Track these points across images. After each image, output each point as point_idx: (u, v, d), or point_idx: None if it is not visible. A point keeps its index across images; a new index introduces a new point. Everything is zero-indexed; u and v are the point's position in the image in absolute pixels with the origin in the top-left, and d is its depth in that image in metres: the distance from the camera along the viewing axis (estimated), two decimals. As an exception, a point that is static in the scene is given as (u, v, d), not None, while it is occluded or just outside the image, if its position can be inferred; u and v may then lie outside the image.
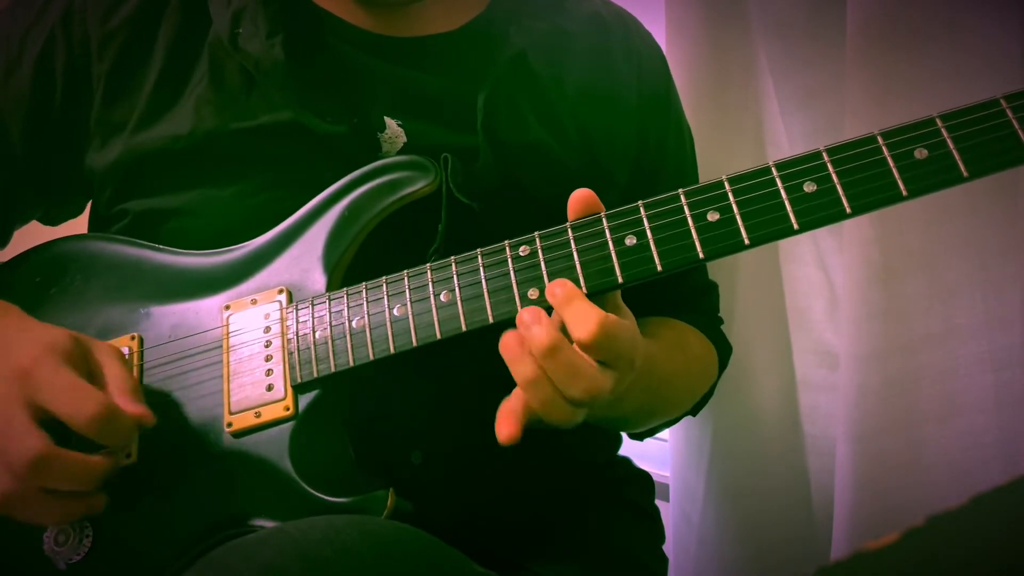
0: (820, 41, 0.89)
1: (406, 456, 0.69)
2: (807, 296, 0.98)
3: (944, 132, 0.55)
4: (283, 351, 0.64)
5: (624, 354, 0.56)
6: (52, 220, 0.84)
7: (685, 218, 0.58)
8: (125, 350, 0.66)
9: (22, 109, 0.75)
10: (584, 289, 0.58)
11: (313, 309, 0.64)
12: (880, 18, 0.79)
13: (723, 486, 1.05)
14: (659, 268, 0.58)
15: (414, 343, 0.61)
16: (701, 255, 0.57)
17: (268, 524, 0.59)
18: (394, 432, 0.69)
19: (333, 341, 0.63)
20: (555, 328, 0.55)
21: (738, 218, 0.57)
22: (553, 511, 0.76)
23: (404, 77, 0.75)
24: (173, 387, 0.65)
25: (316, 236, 0.67)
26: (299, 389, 0.63)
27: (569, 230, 0.60)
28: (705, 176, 0.60)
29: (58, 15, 0.75)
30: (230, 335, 0.66)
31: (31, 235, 0.81)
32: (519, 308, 0.59)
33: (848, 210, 0.55)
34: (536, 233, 0.61)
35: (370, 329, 0.62)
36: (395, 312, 0.62)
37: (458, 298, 0.61)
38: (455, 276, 0.61)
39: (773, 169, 0.57)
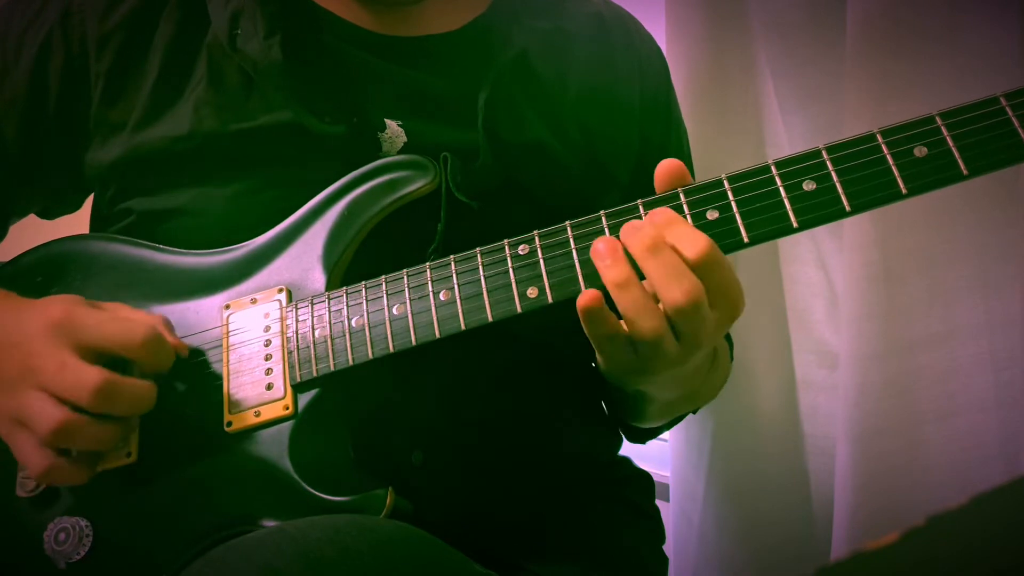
0: (820, 41, 0.89)
1: (407, 456, 0.68)
2: (807, 296, 0.98)
3: (944, 130, 0.55)
4: (283, 350, 0.64)
5: (728, 287, 0.56)
6: (49, 215, 0.84)
7: (685, 216, 0.58)
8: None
9: (18, 107, 0.75)
10: (584, 288, 0.58)
11: (313, 308, 0.64)
12: (880, 18, 0.79)
13: (723, 486, 1.05)
14: None
15: (413, 342, 0.61)
16: None
17: (267, 523, 0.59)
18: (395, 432, 0.69)
19: (332, 340, 0.63)
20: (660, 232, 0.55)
21: (737, 216, 0.57)
22: (553, 511, 0.76)
23: (405, 77, 0.75)
24: (174, 386, 0.65)
25: (316, 235, 0.67)
26: (298, 388, 0.63)
27: (568, 228, 0.60)
28: (705, 176, 0.60)
29: (57, 14, 0.75)
30: (230, 334, 0.66)
31: (32, 235, 0.81)
32: (518, 308, 0.59)
33: (848, 208, 0.55)
34: (535, 232, 0.61)
35: (369, 328, 0.62)
36: (394, 311, 0.62)
37: (457, 297, 0.61)
38: (454, 275, 0.61)
39: (772, 167, 0.57)
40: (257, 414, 0.63)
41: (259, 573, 0.47)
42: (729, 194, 0.58)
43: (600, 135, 0.79)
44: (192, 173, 0.71)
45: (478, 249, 0.62)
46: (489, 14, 0.80)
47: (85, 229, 0.80)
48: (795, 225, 0.56)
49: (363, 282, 0.64)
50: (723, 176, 0.58)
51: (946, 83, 0.77)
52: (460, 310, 0.60)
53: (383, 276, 0.64)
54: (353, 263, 0.66)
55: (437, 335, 0.60)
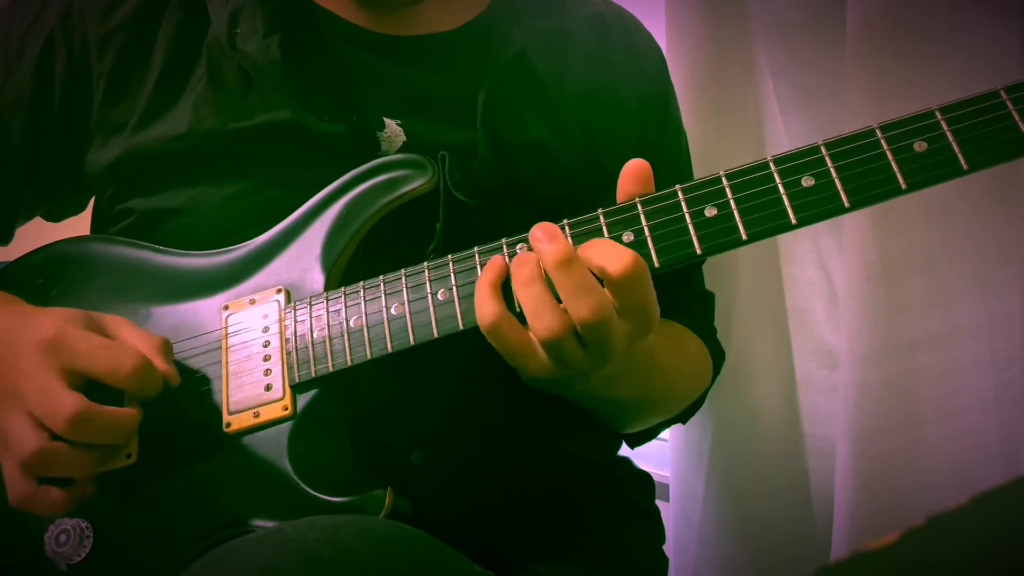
0: (820, 41, 0.89)
1: (406, 456, 0.68)
2: (807, 296, 0.98)
3: (943, 124, 0.55)
4: (281, 351, 0.64)
5: (646, 304, 0.57)
6: (55, 217, 0.84)
7: (683, 214, 0.58)
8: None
9: (23, 109, 0.75)
10: None
11: (311, 309, 0.64)
12: (880, 18, 0.79)
13: (723, 486, 1.05)
14: (656, 264, 0.57)
15: (411, 342, 0.61)
16: (699, 251, 0.57)
17: (267, 524, 0.59)
18: (394, 432, 0.68)
19: (331, 341, 0.63)
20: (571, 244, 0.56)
21: (736, 214, 0.57)
22: (553, 511, 0.76)
23: (404, 76, 0.75)
24: (173, 388, 0.65)
25: (314, 235, 0.67)
26: (297, 389, 0.63)
27: (566, 227, 0.60)
28: (703, 175, 0.59)
29: (57, 15, 0.75)
30: (229, 335, 0.66)
31: (33, 234, 0.81)
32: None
33: (847, 204, 0.55)
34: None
35: (368, 328, 0.62)
36: (392, 311, 0.62)
37: (455, 296, 0.60)
38: (452, 274, 0.61)
39: (771, 164, 0.57)
40: (256, 415, 0.63)
41: (259, 573, 0.47)
42: (727, 191, 0.57)
43: (599, 134, 0.79)
44: (191, 173, 0.71)
45: (476, 248, 0.62)
46: (488, 13, 0.80)
47: (86, 230, 0.81)
48: (794, 222, 0.56)
49: (361, 282, 0.64)
50: (721, 173, 0.58)
51: (946, 83, 0.77)
52: (458, 310, 0.60)
53: (381, 276, 0.63)
54: (352, 263, 0.66)
55: (435, 335, 0.60)
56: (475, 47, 0.78)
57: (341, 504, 0.59)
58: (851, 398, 0.84)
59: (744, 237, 0.56)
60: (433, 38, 0.77)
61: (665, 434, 1.12)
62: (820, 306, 0.97)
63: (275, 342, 0.64)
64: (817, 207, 0.56)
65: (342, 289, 0.64)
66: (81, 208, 0.83)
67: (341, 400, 0.64)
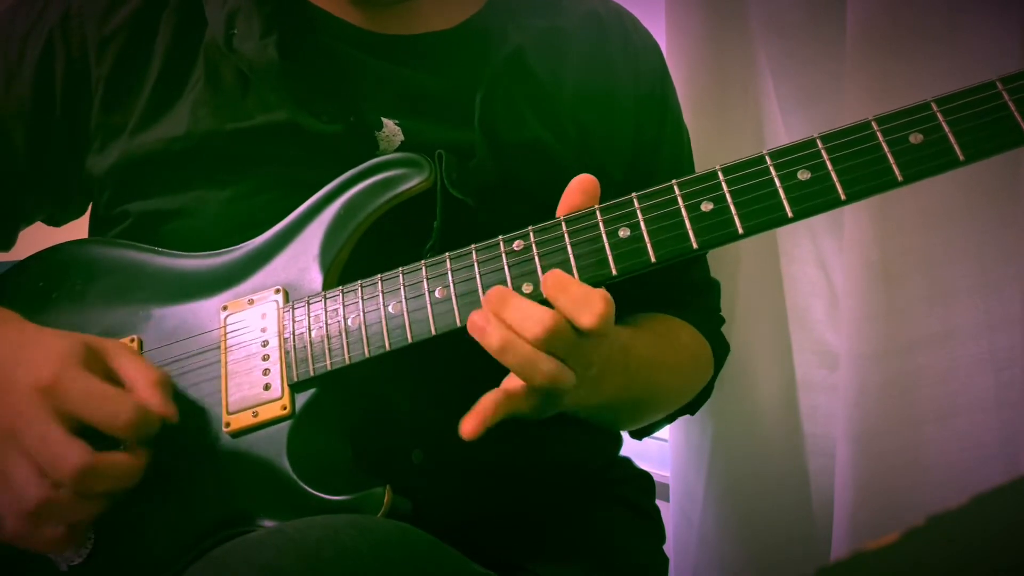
0: (820, 41, 0.89)
1: (407, 455, 0.68)
2: (807, 296, 0.98)
3: (939, 116, 0.54)
4: (280, 350, 0.64)
5: (573, 349, 0.57)
6: (56, 221, 0.84)
7: (679, 209, 0.58)
8: (126, 352, 0.66)
9: (25, 114, 0.75)
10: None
11: (309, 308, 0.64)
12: (880, 18, 0.79)
13: (723, 486, 1.05)
14: (653, 259, 0.57)
15: (409, 340, 0.61)
16: (695, 245, 0.57)
17: (267, 523, 0.59)
18: (395, 431, 0.68)
19: (329, 339, 0.63)
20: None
21: (732, 208, 0.57)
22: (553, 511, 0.76)
23: (401, 75, 0.75)
24: (172, 388, 0.65)
25: (312, 235, 0.67)
26: (296, 388, 0.63)
27: (563, 223, 0.60)
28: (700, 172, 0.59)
29: (56, 18, 0.75)
30: (228, 335, 0.66)
31: (34, 237, 0.81)
32: None
33: (843, 196, 0.55)
34: (530, 227, 0.61)
35: (365, 327, 0.62)
36: (390, 309, 0.62)
37: (453, 294, 0.61)
38: (449, 272, 0.61)
39: (767, 158, 0.57)
40: (255, 414, 0.63)
41: (259, 573, 0.47)
42: (723, 185, 0.57)
43: (596, 132, 0.79)
44: (189, 174, 0.71)
45: (473, 246, 0.62)
46: (485, 12, 0.80)
47: (84, 233, 0.81)
48: (790, 215, 0.56)
49: (359, 281, 0.64)
50: (717, 167, 0.58)
51: (946, 83, 0.76)
52: (456, 307, 0.60)
53: (379, 275, 0.63)
54: (350, 262, 0.66)
55: (433, 332, 0.60)
56: (472, 46, 0.78)
57: (340, 503, 0.59)
58: (851, 398, 0.84)
59: (740, 231, 0.56)
60: (430, 37, 0.77)
61: (665, 434, 1.12)
62: (820, 306, 0.97)
63: (274, 342, 0.64)
64: (813, 200, 0.55)
65: (340, 288, 0.64)
66: (82, 212, 0.83)
67: (340, 399, 0.64)
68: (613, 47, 0.84)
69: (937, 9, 0.77)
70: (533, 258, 0.60)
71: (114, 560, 0.62)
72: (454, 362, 0.66)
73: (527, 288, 0.59)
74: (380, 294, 0.63)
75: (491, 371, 0.72)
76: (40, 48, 0.75)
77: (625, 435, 0.89)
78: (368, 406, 0.67)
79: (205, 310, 0.67)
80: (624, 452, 0.89)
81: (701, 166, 0.92)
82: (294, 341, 0.64)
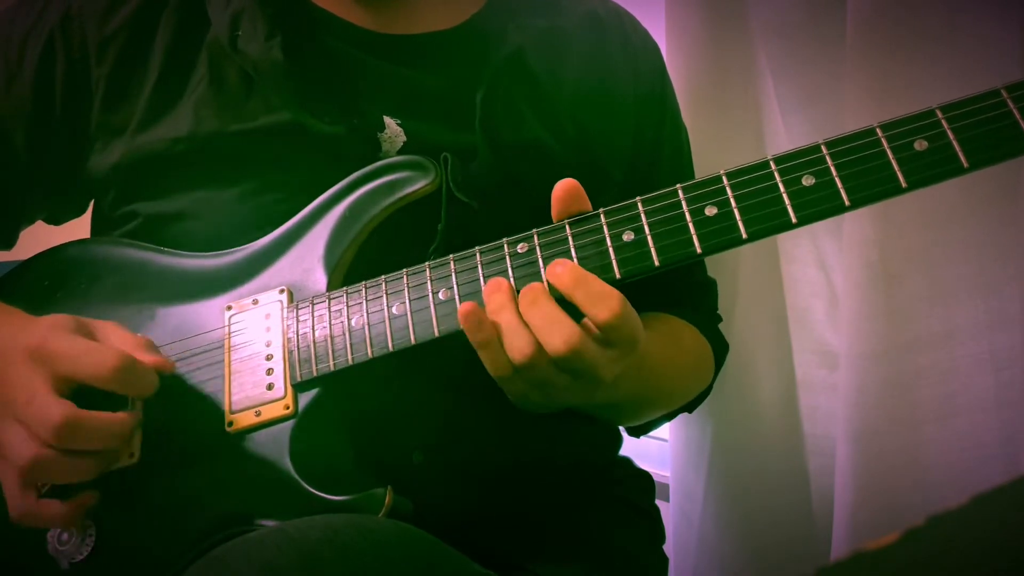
0: (820, 41, 0.89)
1: (407, 455, 0.69)
2: (807, 296, 0.98)
3: (944, 123, 0.54)
4: (283, 350, 0.64)
5: (632, 334, 0.58)
6: (57, 220, 0.84)
7: (683, 213, 0.58)
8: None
9: (25, 114, 0.75)
10: None
11: (313, 309, 0.64)
12: (880, 18, 0.79)
13: (723, 486, 1.05)
14: (656, 263, 0.57)
15: (412, 341, 0.61)
16: (699, 250, 0.57)
17: (268, 523, 0.59)
18: (396, 432, 0.69)
19: (332, 340, 0.63)
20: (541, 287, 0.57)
21: (736, 212, 0.57)
22: (553, 511, 0.76)
23: (403, 76, 0.75)
24: (175, 387, 0.65)
25: (317, 237, 0.67)
26: (299, 388, 0.63)
27: (567, 227, 0.60)
28: (703, 174, 0.60)
29: (56, 18, 0.75)
30: (231, 335, 0.66)
31: (35, 236, 0.81)
32: None
33: (847, 203, 0.55)
34: (534, 230, 0.61)
35: (369, 328, 0.62)
36: (394, 311, 0.62)
37: (456, 296, 0.61)
38: (453, 274, 0.61)
39: (771, 163, 0.57)
40: (258, 414, 0.63)
41: (259, 573, 0.48)
42: (728, 190, 0.57)
43: (596, 133, 0.79)
44: (192, 175, 0.71)
45: (477, 248, 0.62)
46: (485, 12, 0.80)
47: (86, 232, 0.81)
48: (794, 221, 0.56)
49: (363, 282, 0.64)
50: (721, 172, 0.58)
51: (946, 83, 0.77)
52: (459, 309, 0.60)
53: (383, 276, 0.64)
54: (354, 263, 0.67)
55: (436, 334, 0.60)
56: (472, 46, 0.78)
57: (342, 503, 0.59)
58: (851, 398, 0.84)
59: (744, 236, 0.56)
60: (430, 37, 0.77)
61: (665, 434, 1.12)
62: (820, 306, 0.97)
63: (277, 342, 0.64)
64: (817, 206, 0.56)
65: (344, 289, 0.64)
66: (82, 211, 0.83)
67: (342, 399, 0.64)
68: (612, 47, 0.84)
69: (937, 9, 0.77)
70: (537, 260, 0.60)
71: (116, 558, 0.62)
72: (456, 364, 0.66)
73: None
74: (384, 295, 0.63)
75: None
76: (40, 48, 0.75)
77: (625, 435, 0.89)
78: (370, 407, 0.67)
79: (209, 310, 0.68)
80: (624, 452, 0.89)
81: (701, 166, 0.92)
82: (298, 341, 0.64)
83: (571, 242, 0.60)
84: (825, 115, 0.90)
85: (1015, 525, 0.27)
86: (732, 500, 1.04)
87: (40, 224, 0.84)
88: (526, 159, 0.74)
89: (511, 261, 0.60)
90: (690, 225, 0.57)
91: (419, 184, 0.66)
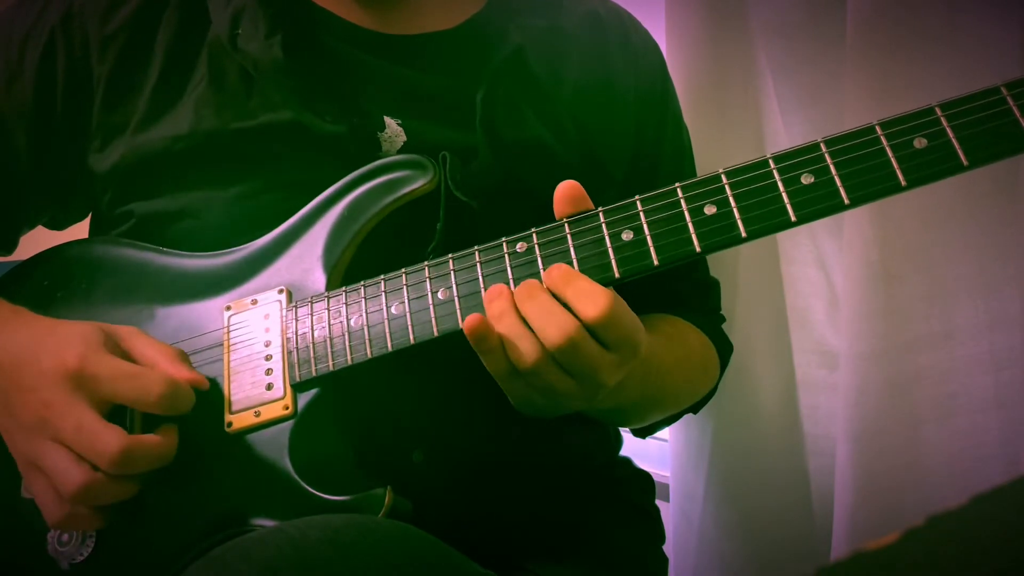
0: (820, 41, 0.89)
1: (407, 455, 0.69)
2: (807, 296, 0.98)
3: (944, 121, 0.54)
4: (283, 351, 0.64)
5: (629, 337, 0.57)
6: (58, 224, 0.84)
7: (682, 212, 0.58)
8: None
9: (26, 114, 0.75)
10: None
11: (312, 308, 0.64)
12: (880, 18, 0.79)
13: (723, 486, 1.05)
14: (656, 262, 0.57)
15: (411, 341, 0.61)
16: (698, 249, 0.57)
17: (268, 523, 0.59)
18: (395, 432, 0.69)
19: (332, 340, 0.63)
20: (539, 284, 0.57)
21: (735, 211, 0.57)
22: (553, 511, 0.76)
23: (403, 76, 0.75)
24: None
25: (316, 236, 0.67)
26: (298, 388, 0.63)
27: (566, 226, 0.60)
28: (703, 173, 0.59)
29: (57, 17, 0.75)
30: (231, 335, 0.66)
31: (37, 241, 0.81)
32: None
33: (846, 201, 0.55)
34: (533, 229, 0.61)
35: (368, 328, 0.62)
36: (393, 310, 0.62)
37: (455, 296, 0.61)
38: (452, 274, 0.61)
39: (770, 162, 0.57)
40: (257, 414, 0.63)
41: (259, 572, 0.47)
42: (727, 189, 0.57)
43: (596, 133, 0.79)
44: (192, 174, 0.71)
45: (476, 248, 0.62)
46: (486, 12, 0.80)
47: (86, 233, 0.80)
48: (793, 219, 0.56)
49: (362, 282, 0.64)
50: (720, 171, 0.58)
51: (946, 83, 0.77)
52: (458, 309, 0.60)
53: (382, 276, 0.64)
54: (353, 263, 0.66)
55: (435, 334, 0.60)
56: (472, 46, 0.78)
57: (341, 503, 0.59)
58: (851, 398, 0.84)
59: (743, 235, 0.56)
60: (431, 37, 0.77)
61: (665, 434, 1.12)
62: (820, 306, 0.97)
63: (276, 342, 0.64)
64: (817, 204, 0.55)
65: (343, 289, 0.64)
66: (84, 215, 0.83)
67: (342, 400, 0.64)
68: (613, 47, 0.84)
69: (937, 9, 0.77)
70: (536, 260, 0.60)
71: (115, 559, 0.62)
72: (455, 363, 0.66)
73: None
74: (383, 295, 0.63)
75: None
76: (41, 47, 0.75)
77: (625, 435, 0.89)
78: (369, 407, 0.67)
79: (208, 310, 0.68)
80: (624, 452, 0.89)
81: (701, 165, 0.92)
82: (297, 341, 0.64)
83: (570, 241, 0.59)
84: (825, 115, 0.90)
85: (1015, 525, 0.27)
86: (732, 500, 1.04)
87: (41, 229, 0.84)
88: (526, 159, 0.74)
89: (510, 260, 0.60)
90: (689, 224, 0.57)
91: (418, 183, 0.66)
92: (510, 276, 0.60)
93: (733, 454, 1.03)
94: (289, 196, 0.69)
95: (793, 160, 0.57)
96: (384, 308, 0.62)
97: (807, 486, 0.99)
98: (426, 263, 0.63)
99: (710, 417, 1.04)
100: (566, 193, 0.61)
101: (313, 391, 0.63)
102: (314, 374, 0.63)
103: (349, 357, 0.62)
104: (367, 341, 0.62)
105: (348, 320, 0.63)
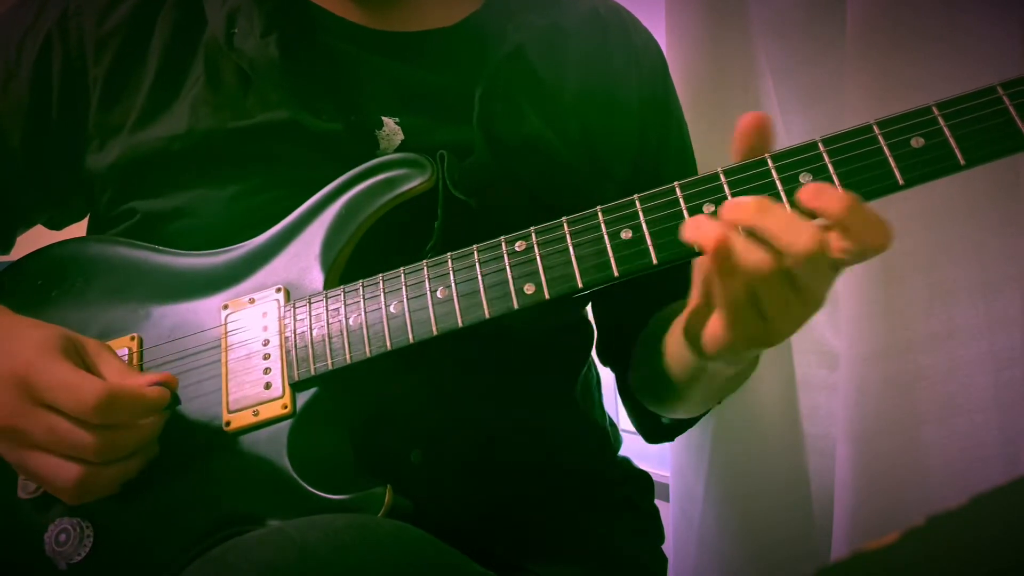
0: (820, 41, 0.89)
1: (406, 455, 0.69)
2: (807, 296, 0.98)
3: (941, 120, 0.55)
4: (281, 350, 0.64)
5: (872, 221, 0.52)
6: (56, 224, 0.83)
7: (681, 211, 0.58)
8: (124, 351, 0.66)
9: (22, 114, 0.75)
10: (580, 283, 0.58)
11: (311, 307, 0.64)
12: (880, 18, 0.79)
13: (723, 486, 1.05)
14: (655, 261, 0.57)
15: (411, 340, 0.61)
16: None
17: (267, 522, 0.59)
18: (393, 431, 0.69)
19: (330, 339, 0.63)
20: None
21: None
22: (553, 511, 0.76)
23: (401, 73, 0.75)
24: (174, 388, 0.65)
25: (314, 235, 0.67)
26: (297, 387, 0.63)
27: (565, 224, 0.60)
28: (702, 173, 0.59)
29: (54, 18, 0.75)
30: (228, 334, 0.66)
31: (35, 242, 0.81)
32: (515, 304, 0.59)
33: None
34: (532, 228, 0.61)
35: (367, 326, 0.62)
36: (392, 309, 0.62)
37: (454, 294, 0.61)
38: (451, 272, 0.61)
39: (768, 160, 0.57)
40: (255, 413, 0.63)
41: (259, 572, 0.47)
42: (725, 188, 0.58)
43: (597, 131, 0.79)
44: (190, 173, 0.71)
45: (475, 246, 0.62)
46: (485, 10, 0.80)
47: (83, 233, 0.80)
48: None
49: (360, 280, 0.64)
50: (719, 170, 0.58)
51: (946, 83, 0.77)
52: (457, 307, 0.60)
53: (380, 274, 0.64)
54: (351, 262, 0.66)
55: (434, 332, 0.60)
56: (471, 44, 0.78)
57: (341, 502, 0.59)
58: (851, 398, 0.84)
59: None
60: (430, 35, 0.77)
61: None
62: (820, 306, 0.97)
63: (274, 341, 0.64)
64: None
65: (341, 288, 0.64)
66: (82, 215, 0.83)
67: (340, 399, 0.64)
68: (614, 46, 0.84)
69: (937, 9, 0.77)
70: (535, 259, 0.60)
71: (114, 559, 0.62)
72: (453, 362, 0.66)
73: (529, 289, 0.59)
74: (382, 293, 0.63)
75: (492, 373, 0.72)
76: (38, 47, 0.75)
77: (626, 435, 0.89)
78: (368, 406, 0.67)
79: (206, 309, 0.67)
80: (624, 452, 0.89)
81: (701, 165, 0.92)
82: (295, 340, 0.64)
83: (569, 240, 0.59)
84: (825, 115, 0.90)
85: (1015, 525, 0.27)
86: (732, 500, 1.04)
87: (39, 229, 0.83)
88: (525, 157, 0.74)
89: (509, 259, 0.60)
90: None
91: (415, 182, 0.66)
92: (509, 275, 0.60)
93: (733, 454, 1.03)
94: (286, 195, 0.69)
95: (791, 159, 0.57)
96: (383, 307, 0.62)
97: (807, 486, 0.99)
98: (425, 262, 0.63)
99: (710, 417, 1.04)
100: (752, 123, 0.56)
101: (312, 390, 0.63)
102: (313, 373, 0.63)
103: (348, 356, 0.62)
104: (366, 340, 0.62)
105: (347, 319, 0.63)
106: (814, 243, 0.50)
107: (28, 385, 0.58)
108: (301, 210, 0.68)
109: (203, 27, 0.74)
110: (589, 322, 0.87)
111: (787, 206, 0.54)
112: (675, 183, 0.59)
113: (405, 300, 0.62)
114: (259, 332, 0.65)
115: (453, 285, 0.61)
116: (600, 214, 0.60)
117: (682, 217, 0.58)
